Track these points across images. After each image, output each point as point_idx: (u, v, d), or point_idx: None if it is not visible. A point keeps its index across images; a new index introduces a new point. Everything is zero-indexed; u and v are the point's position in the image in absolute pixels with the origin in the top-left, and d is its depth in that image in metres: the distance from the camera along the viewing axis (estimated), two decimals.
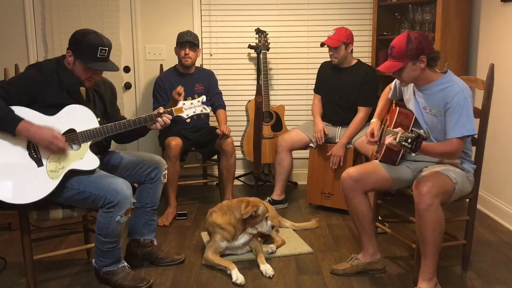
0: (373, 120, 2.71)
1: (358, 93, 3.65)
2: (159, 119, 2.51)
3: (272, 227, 2.87)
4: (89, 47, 2.38)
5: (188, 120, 2.61)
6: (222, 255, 2.83)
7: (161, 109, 2.54)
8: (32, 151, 2.30)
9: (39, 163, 2.30)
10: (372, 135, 2.60)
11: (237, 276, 2.57)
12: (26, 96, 2.32)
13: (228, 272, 2.64)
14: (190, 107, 2.56)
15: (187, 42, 3.68)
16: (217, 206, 2.97)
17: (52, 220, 2.45)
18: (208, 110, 2.60)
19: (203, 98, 2.59)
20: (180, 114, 2.55)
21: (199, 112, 2.57)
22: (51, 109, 2.36)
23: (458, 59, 3.72)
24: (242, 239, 2.82)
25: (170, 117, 2.53)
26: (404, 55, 2.33)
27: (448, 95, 2.36)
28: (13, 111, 2.25)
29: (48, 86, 2.36)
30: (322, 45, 3.63)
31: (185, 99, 2.62)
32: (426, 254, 2.33)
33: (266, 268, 2.68)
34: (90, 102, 2.55)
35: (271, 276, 2.64)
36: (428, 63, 2.37)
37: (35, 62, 3.98)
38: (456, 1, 3.61)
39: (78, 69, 2.41)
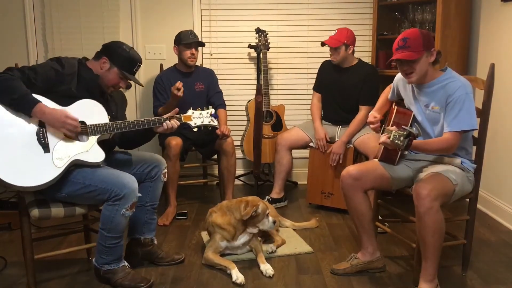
0: (371, 112, 2.71)
1: (359, 93, 3.65)
2: (167, 122, 2.54)
3: (274, 222, 2.85)
4: (131, 61, 2.57)
5: (195, 129, 2.63)
6: (222, 254, 2.83)
7: (172, 113, 2.60)
8: (41, 137, 2.31)
9: (46, 149, 2.31)
10: (374, 117, 2.60)
11: (237, 275, 2.57)
12: (44, 85, 2.36)
13: (228, 271, 2.64)
14: (199, 117, 2.61)
15: (194, 42, 3.70)
16: (217, 206, 2.97)
17: (54, 218, 2.45)
18: (216, 123, 2.64)
19: (212, 110, 2.64)
20: (188, 122, 2.60)
21: (207, 123, 2.62)
22: (66, 100, 2.40)
23: (458, 59, 3.72)
24: (242, 239, 2.82)
25: (178, 122, 2.58)
26: (420, 45, 2.34)
27: (449, 89, 2.36)
28: (30, 93, 2.29)
29: (68, 79, 2.42)
30: (323, 44, 3.64)
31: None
32: (426, 256, 2.33)
33: (266, 268, 2.68)
34: (104, 103, 2.58)
35: (271, 276, 2.64)
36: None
37: (36, 63, 4.02)
38: (456, 1, 3.61)
39: (112, 76, 2.54)
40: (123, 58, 2.54)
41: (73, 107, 2.40)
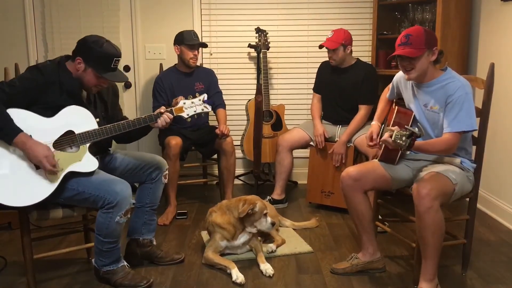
0: (373, 122, 2.71)
1: (358, 92, 3.65)
2: (159, 118, 2.49)
3: (273, 224, 2.84)
4: (105, 57, 2.39)
5: (189, 120, 2.58)
6: (222, 254, 2.83)
7: (163, 109, 2.52)
8: None
9: (38, 166, 2.28)
10: (371, 138, 2.60)
11: (237, 275, 2.57)
12: (26, 98, 2.31)
13: (228, 271, 2.64)
14: (191, 106, 2.54)
15: (197, 44, 3.71)
16: (216, 205, 2.97)
17: (52, 220, 2.45)
18: (209, 108, 2.57)
19: (204, 96, 2.56)
20: (181, 114, 2.53)
21: (200, 111, 2.55)
22: (50, 110, 2.35)
23: (458, 58, 3.72)
24: (242, 238, 2.82)
25: (171, 116, 2.51)
26: (422, 43, 2.33)
27: (449, 90, 2.36)
28: (12, 121, 2.24)
29: (49, 88, 2.35)
30: (321, 47, 3.64)
31: (186, 98, 2.59)
32: (426, 255, 2.33)
33: (266, 267, 2.68)
34: (91, 104, 2.55)
35: (271, 275, 2.64)
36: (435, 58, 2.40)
37: (36, 63, 4.02)
38: (456, 0, 3.61)
39: (89, 77, 2.41)
40: (96, 55, 2.37)
41: (58, 117, 2.36)
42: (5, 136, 2.24)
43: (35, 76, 2.34)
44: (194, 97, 2.57)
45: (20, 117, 2.28)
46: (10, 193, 2.24)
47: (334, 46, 3.56)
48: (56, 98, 2.36)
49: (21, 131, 2.24)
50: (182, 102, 2.54)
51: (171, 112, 2.52)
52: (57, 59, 2.46)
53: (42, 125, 2.32)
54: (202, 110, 2.55)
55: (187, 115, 2.54)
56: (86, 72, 2.41)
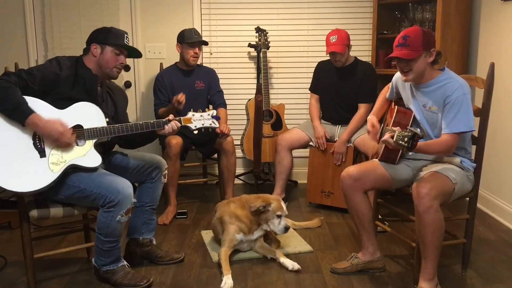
0: (370, 117, 2.70)
1: (358, 91, 3.65)
2: (167, 125, 2.51)
3: (286, 228, 2.79)
4: (117, 34, 2.53)
5: (196, 132, 2.58)
6: (233, 252, 2.84)
7: (171, 116, 2.54)
8: (37, 141, 2.31)
9: (42, 154, 2.30)
10: (373, 126, 2.59)
11: (225, 281, 2.53)
12: (42, 87, 2.34)
13: (222, 277, 2.60)
14: (200, 119, 2.56)
15: (198, 41, 3.70)
16: (236, 197, 3.02)
17: (52, 218, 2.45)
18: (217, 124, 2.59)
19: (214, 112, 2.59)
20: (188, 125, 2.56)
21: (208, 125, 2.57)
22: (64, 102, 2.38)
23: (458, 58, 3.72)
24: (257, 234, 2.85)
25: (179, 124, 2.54)
26: (420, 45, 2.33)
27: (447, 90, 2.36)
28: (26, 102, 2.27)
29: (65, 81, 2.40)
30: (332, 53, 3.58)
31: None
32: (426, 255, 2.33)
33: (292, 263, 2.71)
34: (103, 102, 2.58)
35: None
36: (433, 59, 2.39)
37: (36, 62, 4.03)
38: (456, 0, 3.61)
39: (108, 56, 2.50)
40: (109, 34, 2.50)
41: (70, 110, 2.38)
42: (18, 117, 2.26)
43: (54, 68, 2.40)
44: (204, 110, 2.59)
45: (34, 105, 2.30)
46: (9, 177, 2.24)
47: (343, 50, 3.55)
48: (71, 91, 2.40)
49: (33, 112, 2.26)
50: (191, 113, 2.57)
51: (179, 121, 2.55)
52: (75, 57, 2.53)
53: (53, 116, 2.33)
54: (210, 125, 2.58)
55: (195, 127, 2.56)
56: (104, 53, 2.49)
